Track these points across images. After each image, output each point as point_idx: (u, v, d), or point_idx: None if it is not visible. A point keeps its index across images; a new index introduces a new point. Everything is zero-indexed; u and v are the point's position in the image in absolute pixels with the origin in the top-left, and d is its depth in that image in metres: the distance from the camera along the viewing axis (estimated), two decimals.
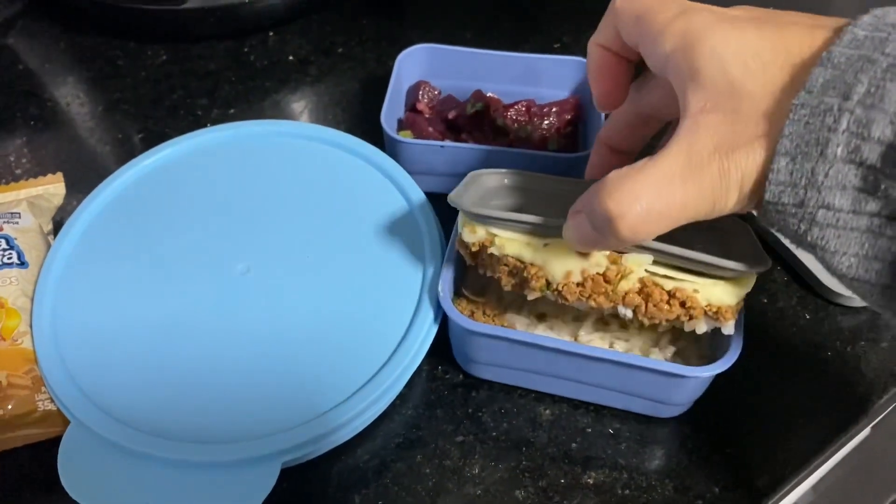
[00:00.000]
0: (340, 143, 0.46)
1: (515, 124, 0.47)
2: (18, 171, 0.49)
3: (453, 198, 0.34)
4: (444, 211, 0.41)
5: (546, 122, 0.48)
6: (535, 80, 0.50)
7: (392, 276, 0.39)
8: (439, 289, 0.36)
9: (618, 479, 0.36)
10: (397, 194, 0.43)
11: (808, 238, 0.25)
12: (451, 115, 0.48)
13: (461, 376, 0.39)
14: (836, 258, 0.25)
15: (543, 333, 0.37)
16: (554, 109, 0.48)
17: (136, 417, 0.34)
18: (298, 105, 0.55)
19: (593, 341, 0.37)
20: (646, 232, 0.27)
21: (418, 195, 0.43)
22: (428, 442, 0.37)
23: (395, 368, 0.36)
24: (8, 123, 0.53)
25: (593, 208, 0.27)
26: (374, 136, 0.46)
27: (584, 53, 0.57)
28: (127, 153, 0.50)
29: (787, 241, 0.35)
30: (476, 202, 0.35)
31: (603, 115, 0.46)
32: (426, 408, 0.38)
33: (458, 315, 0.35)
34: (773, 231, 0.27)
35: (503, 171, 0.38)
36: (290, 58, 0.57)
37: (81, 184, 0.47)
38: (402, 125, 0.49)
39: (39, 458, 0.36)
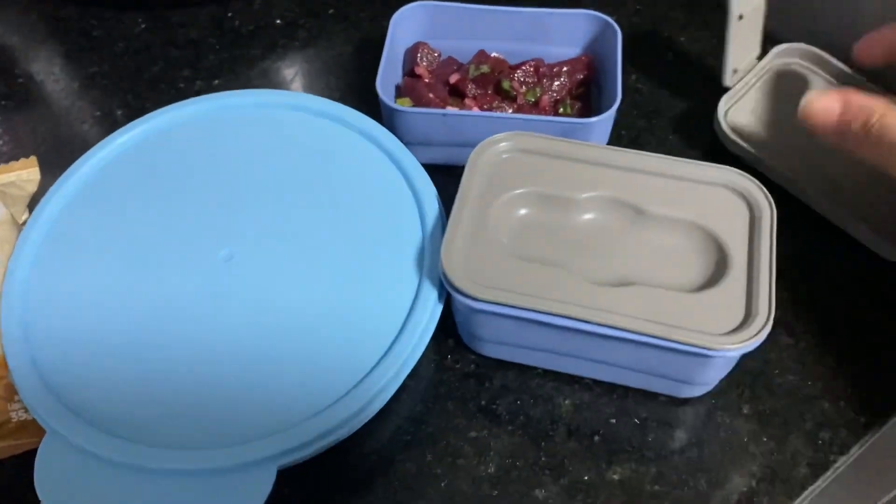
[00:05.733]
0: (330, 113, 0.42)
1: (523, 87, 0.43)
2: None
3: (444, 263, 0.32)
4: (444, 185, 0.38)
5: (557, 83, 0.44)
6: (543, 37, 0.46)
7: (389, 257, 0.36)
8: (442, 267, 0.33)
9: (646, 474, 0.33)
10: (394, 169, 0.39)
11: None
12: (452, 80, 0.44)
13: (473, 365, 0.36)
14: None
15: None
16: (565, 69, 0.44)
17: (116, 424, 0.31)
18: (288, 73, 0.51)
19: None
20: None
21: (417, 170, 0.39)
22: (438, 439, 0.34)
23: (398, 358, 0.33)
24: None
25: None
26: (371, 104, 0.42)
27: (596, 5, 0.53)
28: (106, 132, 0.46)
29: None
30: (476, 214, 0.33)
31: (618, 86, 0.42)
32: (435, 401, 0.35)
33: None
34: None
35: (508, 137, 0.34)
36: (278, 21, 0.53)
37: (58, 168, 0.43)
38: (399, 92, 0.45)
39: (18, 471, 0.33)
